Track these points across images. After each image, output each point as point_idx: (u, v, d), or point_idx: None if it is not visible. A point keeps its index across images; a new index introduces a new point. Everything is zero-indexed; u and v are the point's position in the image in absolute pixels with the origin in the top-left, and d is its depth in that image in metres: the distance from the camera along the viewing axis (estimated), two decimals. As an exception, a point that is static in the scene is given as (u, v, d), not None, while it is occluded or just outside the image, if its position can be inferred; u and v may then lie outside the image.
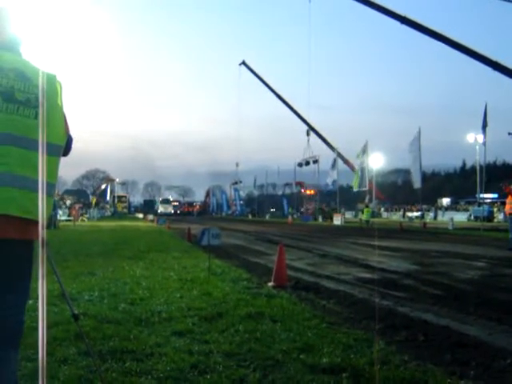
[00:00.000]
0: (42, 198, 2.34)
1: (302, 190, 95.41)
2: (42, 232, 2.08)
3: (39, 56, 3.13)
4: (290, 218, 66.42)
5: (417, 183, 48.85)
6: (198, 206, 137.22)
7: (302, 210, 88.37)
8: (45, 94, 2.81)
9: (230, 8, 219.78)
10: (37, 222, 2.50)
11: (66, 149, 3.05)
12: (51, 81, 2.94)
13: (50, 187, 2.83)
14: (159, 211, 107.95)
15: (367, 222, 44.11)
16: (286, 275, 8.83)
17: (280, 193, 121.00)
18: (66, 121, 3.02)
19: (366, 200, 60.24)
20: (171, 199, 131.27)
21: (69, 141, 3.08)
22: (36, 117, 2.78)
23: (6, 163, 2.64)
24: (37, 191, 2.53)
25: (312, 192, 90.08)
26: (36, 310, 4.73)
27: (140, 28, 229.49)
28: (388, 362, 4.38)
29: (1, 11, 2.98)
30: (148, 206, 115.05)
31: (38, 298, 1.79)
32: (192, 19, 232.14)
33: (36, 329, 4.39)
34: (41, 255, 1.89)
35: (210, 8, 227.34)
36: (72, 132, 3.12)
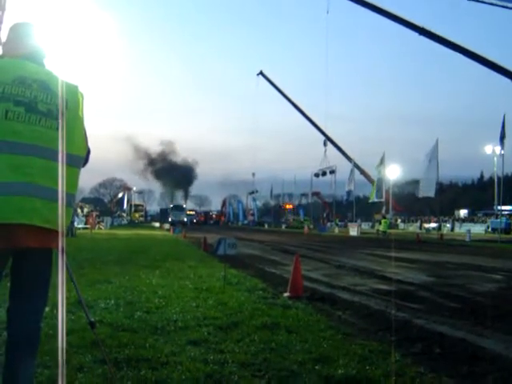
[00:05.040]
0: (62, 208, 2.36)
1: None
2: (61, 241, 2.11)
3: (57, 63, 3.18)
4: (306, 227, 66.37)
5: (424, 192, 48.86)
6: (214, 216, 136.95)
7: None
8: (65, 104, 2.85)
9: (247, 19, 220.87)
10: (56, 232, 2.53)
11: (84, 160, 3.09)
12: (73, 92, 2.98)
13: (70, 198, 2.85)
14: (169, 219, 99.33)
15: (384, 232, 43.96)
16: (301, 286, 8.79)
17: (296, 203, 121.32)
18: (85, 132, 3.07)
19: (383, 211, 60.05)
20: (184, 206, 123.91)
21: (87, 152, 3.12)
22: (58, 128, 2.82)
23: (29, 174, 2.68)
24: (57, 201, 2.56)
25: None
26: (52, 317, 4.77)
27: (160, 42, 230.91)
28: (403, 374, 4.34)
29: (25, 26, 3.05)
30: (164, 215, 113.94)
31: (54, 306, 1.81)
32: (210, 29, 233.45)
33: (53, 336, 4.42)
34: (60, 264, 1.92)
35: (228, 19, 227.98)
36: (90, 140, 3.15)
